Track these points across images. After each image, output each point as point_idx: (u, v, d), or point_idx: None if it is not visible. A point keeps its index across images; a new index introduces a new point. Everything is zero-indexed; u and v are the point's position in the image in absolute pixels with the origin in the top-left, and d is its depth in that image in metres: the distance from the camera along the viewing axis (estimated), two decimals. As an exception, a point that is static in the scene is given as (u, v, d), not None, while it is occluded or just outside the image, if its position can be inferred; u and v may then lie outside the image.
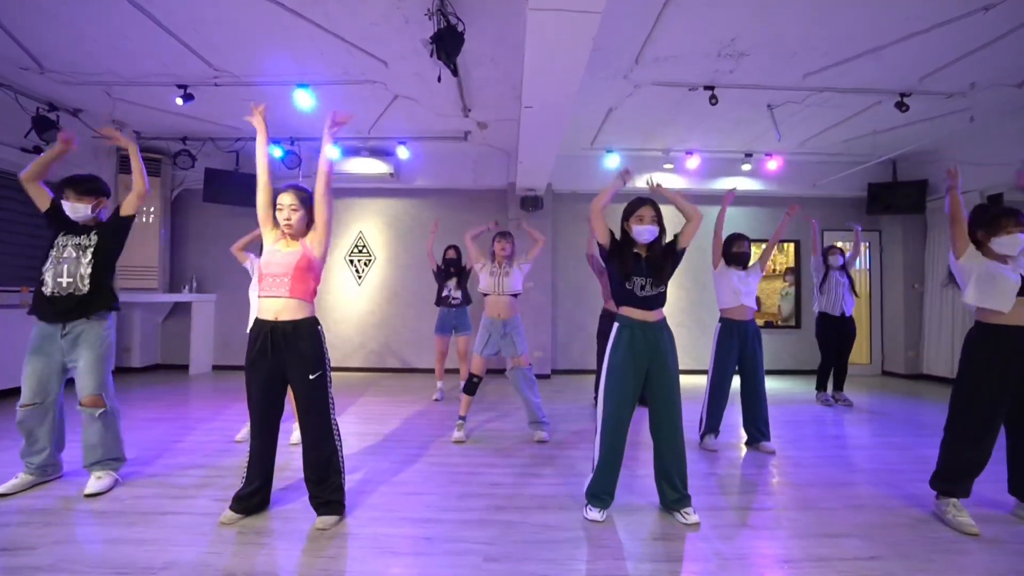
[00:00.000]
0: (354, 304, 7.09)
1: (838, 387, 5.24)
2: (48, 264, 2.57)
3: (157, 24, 3.72)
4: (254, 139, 2.49)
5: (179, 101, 4.70)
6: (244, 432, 3.52)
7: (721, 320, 3.70)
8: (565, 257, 7.00)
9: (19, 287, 5.37)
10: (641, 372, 2.40)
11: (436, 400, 5.17)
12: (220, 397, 5.20)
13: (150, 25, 3.73)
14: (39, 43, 4.08)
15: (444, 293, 5.22)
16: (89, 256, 2.60)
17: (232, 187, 6.44)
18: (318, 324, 2.33)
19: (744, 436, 3.72)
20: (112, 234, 2.71)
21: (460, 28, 3.25)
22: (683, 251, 2.49)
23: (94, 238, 2.65)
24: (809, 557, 2.03)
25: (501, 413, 4.58)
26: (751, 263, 3.80)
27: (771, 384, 6.24)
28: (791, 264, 7.44)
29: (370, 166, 6.49)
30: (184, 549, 2.03)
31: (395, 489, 2.73)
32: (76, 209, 2.59)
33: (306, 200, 2.35)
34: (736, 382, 3.65)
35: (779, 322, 7.43)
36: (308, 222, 2.36)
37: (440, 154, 6.67)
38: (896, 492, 2.75)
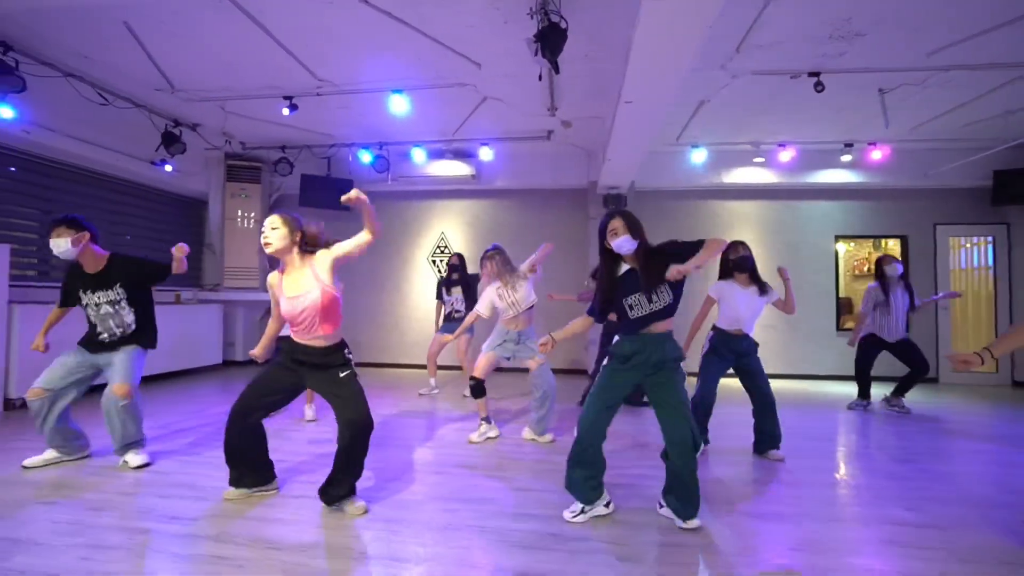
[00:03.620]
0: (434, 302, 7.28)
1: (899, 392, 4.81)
2: None
3: (268, 34, 3.95)
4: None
5: (285, 111, 5.02)
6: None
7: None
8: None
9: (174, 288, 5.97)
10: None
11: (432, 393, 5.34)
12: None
13: (261, 39, 4.00)
14: (171, 66, 4.51)
15: (447, 310, 5.14)
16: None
17: (325, 191, 6.80)
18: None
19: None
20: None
21: (563, 25, 3.24)
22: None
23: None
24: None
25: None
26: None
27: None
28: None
29: (453, 168, 6.65)
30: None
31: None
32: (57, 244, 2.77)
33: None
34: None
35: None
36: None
37: (520, 155, 6.71)
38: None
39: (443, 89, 4.87)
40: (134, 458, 2.91)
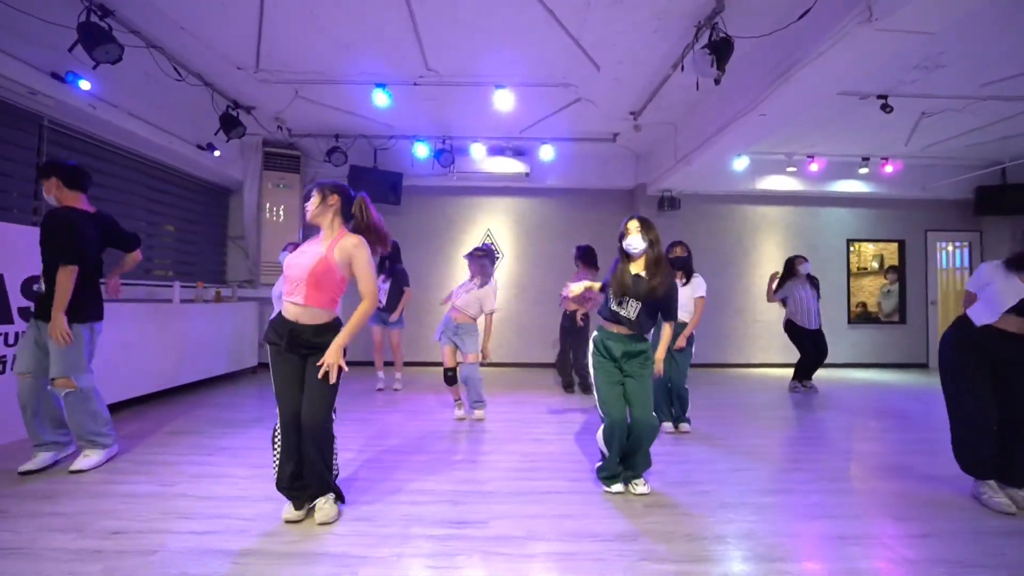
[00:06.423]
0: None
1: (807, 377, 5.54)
2: None
3: (411, 19, 3.82)
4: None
5: (384, 99, 4.82)
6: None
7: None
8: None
9: (195, 283, 5.47)
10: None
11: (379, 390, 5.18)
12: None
13: (401, 24, 3.87)
14: (274, 44, 4.20)
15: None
16: None
17: (372, 183, 6.54)
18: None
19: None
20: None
21: (731, 39, 3.47)
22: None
23: None
24: None
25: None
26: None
27: (876, 375, 6.57)
28: (894, 263, 7.75)
29: (508, 165, 6.68)
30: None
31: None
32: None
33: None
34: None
35: (882, 318, 7.75)
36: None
37: (573, 155, 6.84)
38: None
39: (544, 87, 4.93)
40: (80, 461, 2.68)
